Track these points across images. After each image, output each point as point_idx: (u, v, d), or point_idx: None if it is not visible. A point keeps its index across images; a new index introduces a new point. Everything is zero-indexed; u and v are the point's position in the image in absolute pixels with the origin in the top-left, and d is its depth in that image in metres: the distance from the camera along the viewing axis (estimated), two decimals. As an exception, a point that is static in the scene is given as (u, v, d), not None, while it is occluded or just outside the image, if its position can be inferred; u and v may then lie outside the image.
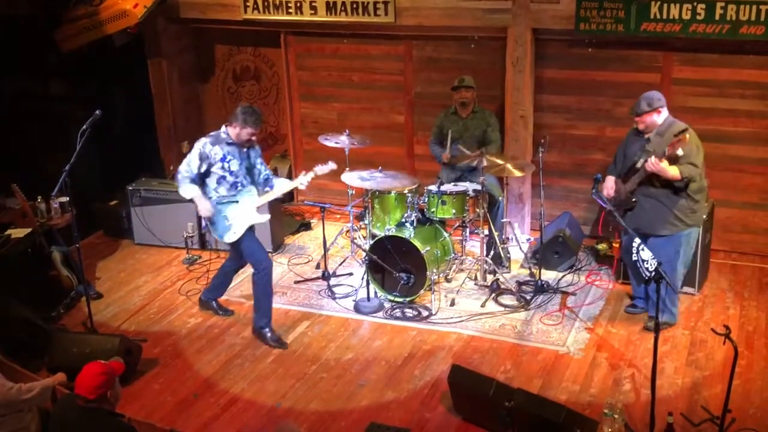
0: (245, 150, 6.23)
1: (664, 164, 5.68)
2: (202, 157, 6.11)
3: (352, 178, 7.12)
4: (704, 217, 6.28)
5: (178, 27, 9.00)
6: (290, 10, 8.20)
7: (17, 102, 8.15)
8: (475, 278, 7.15)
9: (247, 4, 8.32)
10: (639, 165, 5.92)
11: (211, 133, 6.21)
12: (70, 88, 8.64)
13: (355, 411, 5.52)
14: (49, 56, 8.48)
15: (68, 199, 6.65)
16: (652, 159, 5.71)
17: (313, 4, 8.07)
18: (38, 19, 8.32)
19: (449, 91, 7.52)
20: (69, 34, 8.43)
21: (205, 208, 6.18)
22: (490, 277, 7.07)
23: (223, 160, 6.12)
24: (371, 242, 6.89)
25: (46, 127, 8.21)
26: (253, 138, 6.19)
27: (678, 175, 5.73)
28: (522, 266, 7.43)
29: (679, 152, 5.58)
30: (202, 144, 6.12)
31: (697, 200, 5.96)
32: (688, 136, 5.60)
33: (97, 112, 6.11)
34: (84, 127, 6.03)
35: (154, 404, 5.66)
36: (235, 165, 6.18)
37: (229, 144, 6.14)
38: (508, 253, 7.43)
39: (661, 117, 5.93)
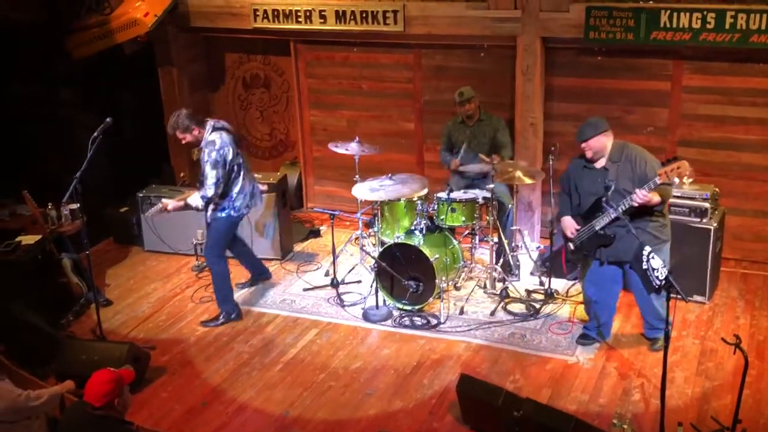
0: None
1: (653, 194, 5.40)
2: None
3: (361, 190, 7.07)
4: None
5: (189, 36, 9.03)
6: (300, 19, 8.22)
7: (29, 108, 8.19)
8: (485, 286, 7.14)
9: (257, 13, 8.34)
10: (606, 200, 5.58)
11: None
12: (82, 95, 8.69)
13: (363, 420, 5.51)
14: (60, 63, 8.53)
15: (78, 205, 6.68)
16: (642, 192, 5.35)
17: (323, 13, 8.09)
18: (50, 26, 8.37)
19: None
20: (80, 42, 8.49)
21: None
22: (499, 285, 7.05)
23: None
24: (380, 250, 6.88)
25: (57, 133, 8.25)
26: (183, 141, 6.61)
27: (659, 200, 5.49)
28: (532, 274, 7.40)
29: (675, 180, 5.18)
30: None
31: (664, 214, 5.76)
32: (686, 163, 5.14)
33: (108, 119, 6.14)
34: (95, 134, 6.07)
35: (162, 412, 5.67)
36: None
37: None
38: (518, 261, 7.41)
39: (610, 141, 5.65)
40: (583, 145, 5.65)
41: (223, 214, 6.58)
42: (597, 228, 5.70)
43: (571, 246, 5.97)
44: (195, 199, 6.45)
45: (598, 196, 5.67)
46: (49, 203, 7.11)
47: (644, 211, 5.60)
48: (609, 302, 6.12)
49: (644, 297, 5.90)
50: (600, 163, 5.71)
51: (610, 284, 6.00)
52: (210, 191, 6.38)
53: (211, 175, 6.36)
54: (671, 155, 5.54)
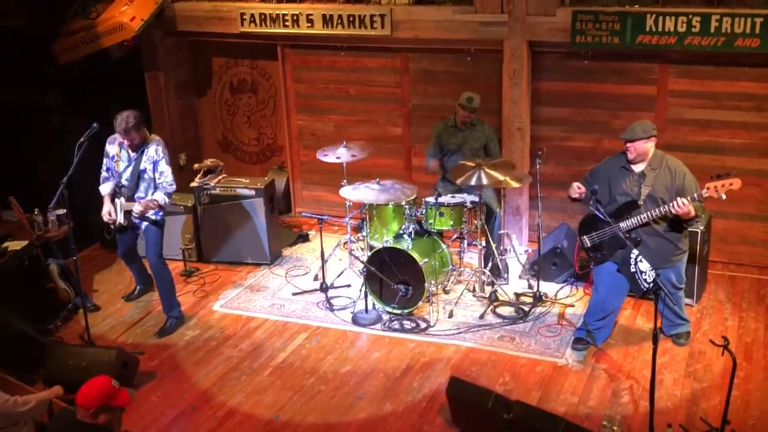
0: (137, 154, 6.47)
1: (693, 205, 5.46)
2: (105, 154, 6.63)
3: (349, 191, 7.07)
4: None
5: (175, 40, 9.02)
6: (287, 23, 8.21)
7: (15, 114, 8.14)
8: (473, 290, 7.15)
9: (244, 17, 8.33)
10: (641, 202, 5.66)
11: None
12: (68, 100, 8.64)
13: (353, 423, 5.51)
14: (47, 69, 8.48)
15: (65, 211, 6.65)
16: (682, 201, 5.41)
17: (310, 17, 8.09)
18: (36, 31, 8.32)
19: (446, 104, 7.51)
20: (66, 47, 8.43)
21: (104, 211, 6.62)
22: (488, 289, 7.06)
23: (112, 159, 6.59)
24: (369, 254, 6.88)
25: (43, 139, 8.20)
26: (129, 141, 6.38)
27: (695, 214, 5.55)
28: (520, 277, 7.42)
29: (723, 197, 5.37)
30: (107, 142, 6.64)
31: (686, 227, 5.84)
32: (740, 181, 5.34)
33: (95, 124, 6.12)
34: (81, 139, 6.04)
35: (151, 417, 5.64)
36: (121, 166, 6.55)
37: (120, 145, 6.52)
38: (506, 264, 7.42)
39: (653, 147, 5.74)
40: (629, 145, 5.69)
41: (158, 217, 6.61)
42: (623, 229, 5.66)
43: (588, 242, 5.97)
44: (160, 196, 6.45)
45: (631, 198, 5.72)
46: (36, 209, 7.07)
47: (675, 221, 5.65)
48: (615, 308, 6.16)
49: (674, 295, 5.96)
50: (639, 168, 5.75)
51: (620, 291, 6.03)
52: (174, 186, 6.55)
53: (169, 171, 6.53)
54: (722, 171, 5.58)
